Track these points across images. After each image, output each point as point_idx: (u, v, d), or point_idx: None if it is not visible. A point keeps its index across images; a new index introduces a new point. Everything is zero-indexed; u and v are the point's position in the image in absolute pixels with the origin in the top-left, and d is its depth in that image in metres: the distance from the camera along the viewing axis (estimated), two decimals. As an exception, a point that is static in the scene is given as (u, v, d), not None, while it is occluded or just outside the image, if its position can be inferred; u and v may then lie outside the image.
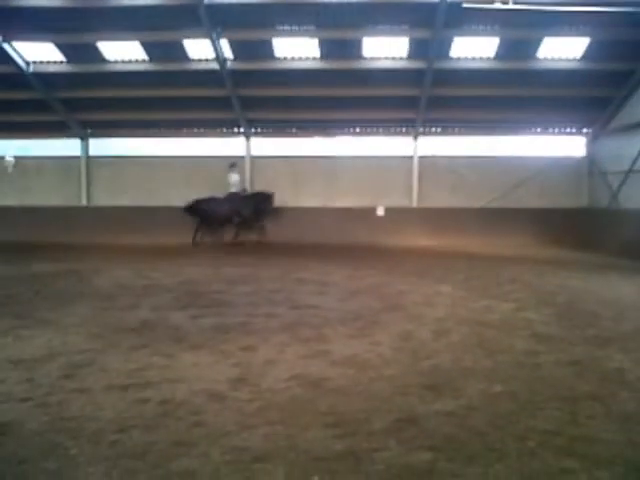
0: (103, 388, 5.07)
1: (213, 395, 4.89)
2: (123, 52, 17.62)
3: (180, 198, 18.83)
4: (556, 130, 20.95)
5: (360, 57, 17.31)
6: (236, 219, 18.92)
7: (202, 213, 18.55)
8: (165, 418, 4.42)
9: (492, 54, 17.06)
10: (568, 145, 21.26)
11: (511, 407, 4.64)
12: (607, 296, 9.85)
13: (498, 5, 14.01)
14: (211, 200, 18.57)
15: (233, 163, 19.41)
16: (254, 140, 20.96)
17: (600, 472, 3.59)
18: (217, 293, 9.81)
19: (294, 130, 20.94)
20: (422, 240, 18.91)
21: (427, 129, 20.62)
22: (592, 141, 20.73)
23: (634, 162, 17.69)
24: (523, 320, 7.87)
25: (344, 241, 18.47)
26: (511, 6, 13.96)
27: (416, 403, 4.70)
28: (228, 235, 19.09)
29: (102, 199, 21.17)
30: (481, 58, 17.28)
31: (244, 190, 19.50)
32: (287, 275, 11.91)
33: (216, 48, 16.64)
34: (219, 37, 16.50)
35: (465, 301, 9.18)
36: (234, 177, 19.19)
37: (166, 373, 5.46)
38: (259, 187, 20.13)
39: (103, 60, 17.78)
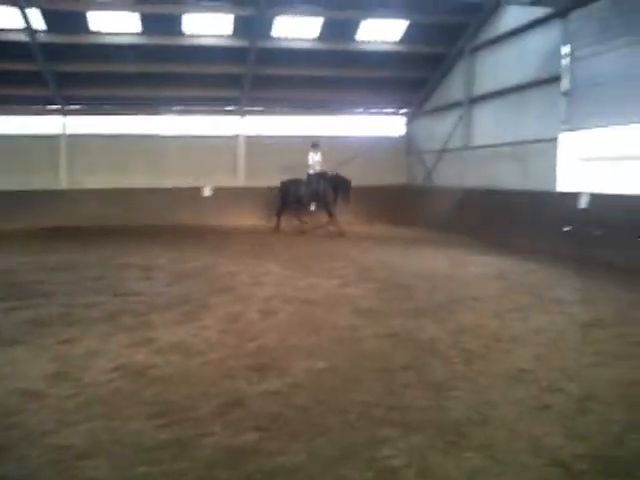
0: None
1: (30, 393, 4.63)
2: None
3: None
4: (376, 110, 21.92)
5: (182, 33, 16.87)
6: (312, 201, 17.35)
7: (285, 194, 17.55)
8: (-23, 422, 4.14)
9: (315, 34, 17.37)
10: (388, 125, 22.37)
11: (333, 382, 4.84)
12: (423, 269, 10.52)
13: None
14: (293, 181, 17.52)
15: (315, 143, 17.71)
16: (72, 118, 19.82)
17: (415, 437, 3.85)
18: (35, 283, 9.22)
19: (115, 107, 20.11)
20: (251, 220, 18.98)
21: (252, 108, 20.68)
22: (409, 121, 21.94)
23: (446, 142, 18.92)
24: (346, 296, 8.21)
25: (170, 223, 18.08)
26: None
27: (242, 385, 4.76)
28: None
29: None
30: (304, 38, 17.53)
31: (324, 172, 17.40)
32: (110, 261, 11.48)
33: (25, 18, 15.41)
34: (29, 6, 15.21)
35: (291, 279, 9.41)
36: (314, 157, 17.45)
37: (-23, 373, 5.10)
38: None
39: None
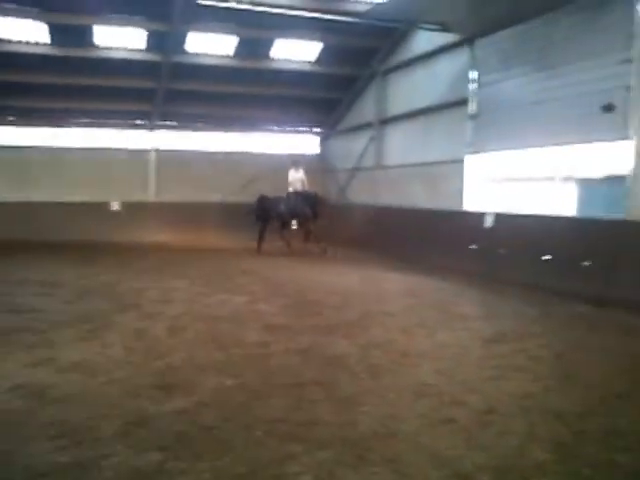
0: None
1: None
2: None
3: None
4: (291, 128, 22.10)
5: (93, 45, 16.44)
6: (290, 219, 16.33)
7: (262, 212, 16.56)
8: None
9: (230, 52, 17.32)
10: (304, 143, 22.59)
11: (241, 399, 4.78)
12: (334, 286, 10.58)
13: (232, 4, 14.25)
14: (274, 199, 16.56)
15: (296, 160, 17.03)
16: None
17: (322, 453, 3.83)
18: None
19: (22, 119, 19.37)
20: (160, 236, 18.62)
21: (164, 122, 20.44)
22: (323, 140, 22.22)
23: (359, 161, 19.24)
24: (256, 312, 8.16)
25: (76, 238, 17.43)
26: (245, 6, 14.28)
27: (147, 404, 4.63)
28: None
29: None
30: (219, 55, 17.45)
31: (304, 192, 16.39)
32: (10, 276, 10.98)
33: None
34: None
35: (201, 296, 9.27)
36: (295, 175, 16.54)
37: None
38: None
39: None
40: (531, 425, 4.35)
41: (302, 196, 16.09)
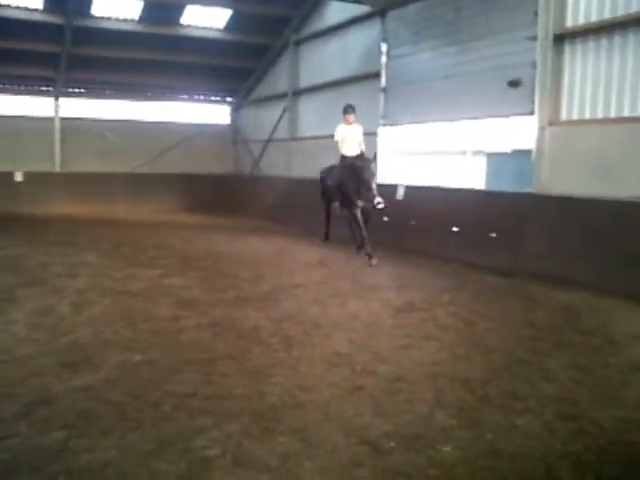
0: None
1: None
2: None
3: None
4: (202, 98, 21.68)
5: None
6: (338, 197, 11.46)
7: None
8: None
9: (136, 16, 16.71)
10: (215, 112, 22.24)
11: (150, 375, 4.70)
12: (248, 258, 10.54)
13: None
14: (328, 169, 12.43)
15: (348, 106, 11.67)
16: None
17: (230, 426, 3.83)
18: None
19: None
20: (67, 207, 18.00)
21: (69, 90, 19.63)
22: (235, 110, 21.92)
23: (272, 132, 19.10)
24: (167, 286, 8.04)
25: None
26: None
27: (51, 382, 4.49)
28: None
29: None
30: (126, 19, 16.79)
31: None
32: None
33: None
34: None
35: (110, 270, 9.04)
36: (345, 131, 11.51)
37: None
38: None
39: None
40: (438, 392, 4.48)
41: (351, 165, 10.86)
